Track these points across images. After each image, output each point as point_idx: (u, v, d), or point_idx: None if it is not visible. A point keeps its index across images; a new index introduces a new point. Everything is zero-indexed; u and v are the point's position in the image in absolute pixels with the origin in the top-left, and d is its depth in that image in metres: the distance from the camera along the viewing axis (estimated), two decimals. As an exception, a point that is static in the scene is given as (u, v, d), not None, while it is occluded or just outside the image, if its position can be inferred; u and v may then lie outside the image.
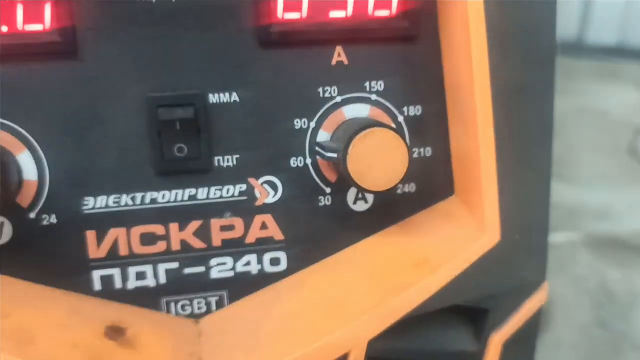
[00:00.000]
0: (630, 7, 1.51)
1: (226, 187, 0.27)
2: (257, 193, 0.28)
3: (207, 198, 0.27)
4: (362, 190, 0.26)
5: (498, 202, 0.26)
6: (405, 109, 0.28)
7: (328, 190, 0.28)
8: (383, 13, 0.27)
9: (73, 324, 0.25)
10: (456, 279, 0.26)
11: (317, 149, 0.27)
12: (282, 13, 0.26)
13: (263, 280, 0.28)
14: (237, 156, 0.27)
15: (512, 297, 0.28)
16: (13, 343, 0.23)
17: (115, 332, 0.26)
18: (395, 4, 0.27)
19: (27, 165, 0.26)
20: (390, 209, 0.29)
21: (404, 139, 0.25)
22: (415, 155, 0.28)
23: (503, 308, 0.28)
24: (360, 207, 0.29)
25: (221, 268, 0.28)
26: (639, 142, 1.02)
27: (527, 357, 0.29)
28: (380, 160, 0.25)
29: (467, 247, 0.26)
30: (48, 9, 0.25)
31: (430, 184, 0.29)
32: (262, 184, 0.28)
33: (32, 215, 0.26)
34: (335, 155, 0.25)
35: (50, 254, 0.26)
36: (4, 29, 0.25)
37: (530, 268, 0.28)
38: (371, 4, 0.27)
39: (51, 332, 0.25)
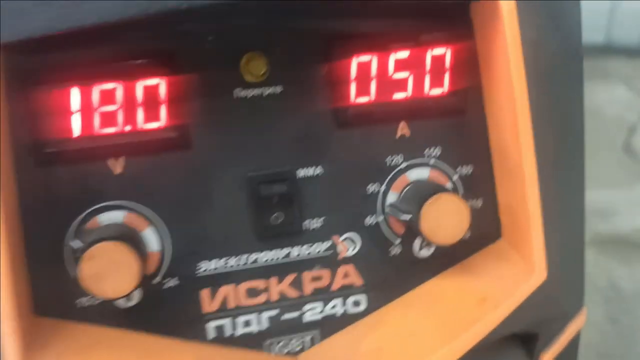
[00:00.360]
0: (617, 5, 1.57)
1: (314, 245, 0.32)
2: (339, 248, 0.33)
3: (299, 255, 0.32)
4: (432, 244, 0.31)
5: (544, 246, 0.31)
6: (458, 168, 0.33)
7: (397, 241, 0.33)
8: (437, 92, 0.32)
9: (198, 369, 0.31)
10: (512, 313, 0.31)
11: (391, 210, 0.32)
12: (355, 97, 0.32)
13: (347, 319, 0.33)
14: (323, 218, 0.32)
15: (558, 322, 0.33)
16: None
17: (233, 374, 0.31)
18: (446, 84, 0.32)
19: (151, 239, 0.30)
20: (449, 254, 0.34)
21: (461, 197, 0.30)
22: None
23: (550, 331, 0.33)
24: (424, 253, 0.34)
25: (312, 312, 0.33)
26: (633, 140, 1.08)
27: (570, 370, 0.35)
28: (447, 220, 0.30)
29: (520, 286, 0.32)
30: (164, 110, 0.30)
31: (481, 229, 0.34)
32: (343, 240, 0.33)
33: (156, 280, 0.31)
34: (409, 217, 0.31)
35: (171, 311, 0.31)
36: (127, 128, 0.30)
37: (572, 297, 0.33)
38: (427, 85, 0.32)
39: (182, 378, 0.30)
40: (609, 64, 1.50)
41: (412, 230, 0.33)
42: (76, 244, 0.28)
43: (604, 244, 0.82)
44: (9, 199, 0.27)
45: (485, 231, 0.34)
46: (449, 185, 0.33)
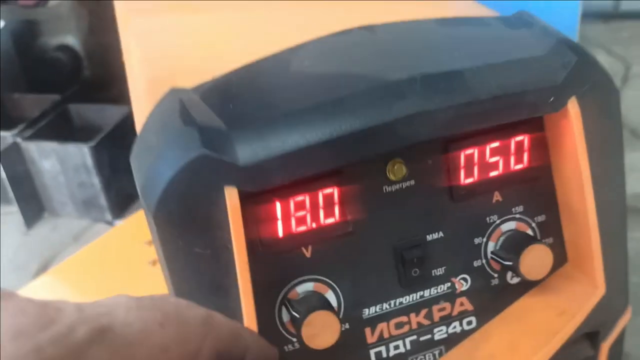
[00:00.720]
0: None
1: (439, 286, 0.45)
2: (456, 286, 0.45)
3: (430, 295, 0.45)
4: (527, 280, 0.44)
5: (603, 269, 0.44)
6: (535, 218, 0.46)
7: (495, 275, 0.46)
8: (519, 167, 0.44)
9: (372, 385, 0.43)
10: (585, 319, 0.44)
11: (494, 257, 0.45)
12: (464, 179, 0.43)
13: (463, 335, 0.46)
14: (444, 267, 0.45)
15: (613, 319, 0.47)
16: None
17: (395, 385, 0.44)
18: (525, 161, 0.44)
19: (331, 298, 0.42)
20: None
21: (546, 245, 0.43)
22: (543, 244, 0.46)
23: (607, 327, 0.47)
24: (515, 280, 0.46)
25: (439, 333, 0.46)
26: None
27: (620, 351, 0.48)
28: (538, 264, 0.43)
29: (588, 300, 0.44)
30: (337, 210, 0.41)
31: (553, 259, 0.46)
32: (459, 280, 0.45)
33: (335, 326, 0.43)
34: (510, 263, 0.43)
35: (346, 347, 0.43)
36: (313, 225, 0.41)
37: (621, 300, 0.47)
38: (512, 163, 0.44)
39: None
40: (585, 30, 1.61)
41: (506, 267, 0.45)
42: (295, 313, 0.40)
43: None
44: (247, 281, 0.38)
45: (556, 259, 0.46)
46: (530, 231, 0.46)
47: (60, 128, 1.46)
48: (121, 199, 1.44)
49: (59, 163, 1.40)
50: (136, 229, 1.13)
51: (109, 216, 1.42)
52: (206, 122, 0.36)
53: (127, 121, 1.49)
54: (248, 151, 0.35)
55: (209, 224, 0.36)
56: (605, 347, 0.47)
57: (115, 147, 1.40)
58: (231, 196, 0.35)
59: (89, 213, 1.45)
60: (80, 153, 1.36)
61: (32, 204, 1.42)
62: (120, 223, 1.39)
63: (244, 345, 0.33)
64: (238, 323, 0.35)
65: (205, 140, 0.35)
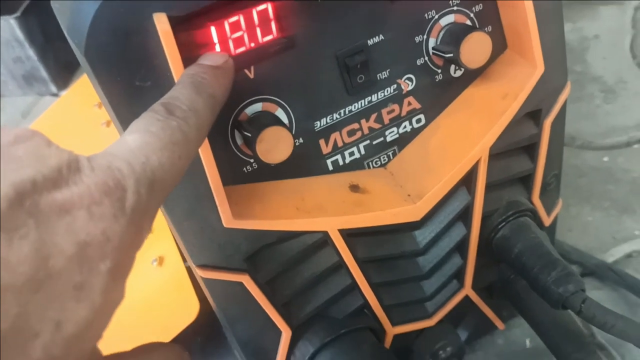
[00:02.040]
0: None
1: (386, 89, 0.46)
2: (402, 86, 0.46)
3: (377, 99, 0.46)
4: (467, 69, 0.45)
5: (541, 49, 0.45)
6: (473, 8, 0.46)
7: (439, 70, 0.47)
8: (451, -44, 0.44)
9: (332, 189, 0.45)
10: (526, 99, 0.46)
11: (436, 52, 0.45)
12: (398, -22, 0.43)
13: (414, 132, 0.48)
14: (388, 69, 0.45)
15: (553, 96, 0.49)
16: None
17: (355, 188, 0.46)
18: (457, -52, 0.43)
19: (282, 116, 0.43)
20: (474, 69, 0.47)
21: (485, 32, 0.43)
22: (483, 33, 0.47)
23: (549, 104, 0.49)
24: (458, 74, 0.47)
25: (391, 134, 0.47)
26: None
27: (562, 126, 0.51)
28: (478, 51, 0.43)
29: (528, 80, 0.46)
30: (274, 26, 0.40)
31: (493, 46, 0.47)
32: (404, 80, 0.46)
33: (290, 142, 0.44)
34: (451, 54, 0.44)
35: (303, 160, 0.45)
36: (252, 44, 0.40)
37: (560, 77, 0.48)
38: (444, -47, 0.43)
39: (323, 195, 0.45)
40: None
41: (449, 61, 0.46)
42: (247, 133, 0.41)
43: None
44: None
45: (496, 47, 0.47)
46: (468, 22, 0.46)
47: (-22, 3, 1.36)
48: (62, 68, 1.39)
49: (-13, 40, 1.32)
50: (84, 95, 1.10)
51: (53, 88, 1.37)
52: (119, -53, 0.34)
53: (49, -15, 1.39)
54: (169, -28, 0.33)
55: (144, 55, 0.35)
56: (547, 123, 0.50)
57: (42, 14, 1.32)
58: (161, 22, 0.34)
59: (33, 88, 1.40)
60: (8, 26, 1.28)
61: (-29, 89, 1.36)
62: (66, 93, 1.35)
63: None
64: None
65: (122, -33, 0.33)
